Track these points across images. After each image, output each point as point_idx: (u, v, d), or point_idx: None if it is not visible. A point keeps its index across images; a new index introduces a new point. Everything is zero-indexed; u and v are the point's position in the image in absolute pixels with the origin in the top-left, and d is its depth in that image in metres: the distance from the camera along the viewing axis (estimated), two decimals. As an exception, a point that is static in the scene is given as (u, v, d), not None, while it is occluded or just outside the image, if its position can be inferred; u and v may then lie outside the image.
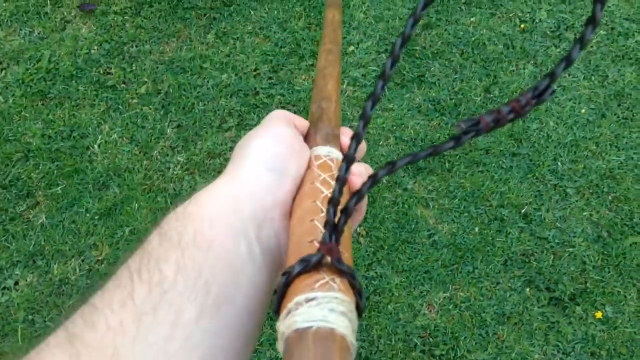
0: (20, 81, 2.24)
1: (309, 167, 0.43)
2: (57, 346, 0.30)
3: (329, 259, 0.31)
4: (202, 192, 0.38)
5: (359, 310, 0.31)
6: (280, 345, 0.27)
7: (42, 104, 2.21)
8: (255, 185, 0.38)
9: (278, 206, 0.39)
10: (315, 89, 0.51)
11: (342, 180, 0.31)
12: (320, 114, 0.48)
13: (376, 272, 1.90)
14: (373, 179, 0.31)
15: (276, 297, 0.31)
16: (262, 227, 0.37)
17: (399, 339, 1.81)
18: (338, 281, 0.30)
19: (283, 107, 2.21)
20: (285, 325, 0.28)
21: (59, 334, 0.31)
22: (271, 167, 0.39)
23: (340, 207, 0.32)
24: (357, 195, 0.31)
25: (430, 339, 1.81)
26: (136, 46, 2.36)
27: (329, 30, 0.54)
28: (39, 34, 2.37)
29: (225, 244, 0.35)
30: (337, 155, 0.45)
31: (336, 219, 0.31)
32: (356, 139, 0.32)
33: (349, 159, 0.32)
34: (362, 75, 2.28)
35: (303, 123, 0.47)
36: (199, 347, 0.31)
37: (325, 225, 0.31)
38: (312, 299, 0.28)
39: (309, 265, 0.31)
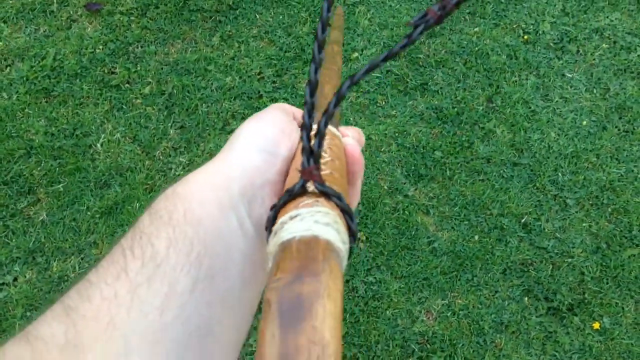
0: (25, 78, 2.24)
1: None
2: (53, 318, 0.31)
3: (312, 187, 0.31)
4: (193, 173, 0.39)
5: (351, 233, 0.30)
6: (268, 266, 0.28)
7: (46, 102, 2.22)
8: (245, 165, 0.39)
9: (268, 185, 0.39)
10: None
11: (309, 103, 0.31)
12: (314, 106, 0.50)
13: (375, 278, 1.90)
14: (352, 79, 0.30)
15: (267, 233, 0.31)
16: (252, 205, 0.38)
17: (396, 345, 1.81)
18: (322, 200, 0.30)
19: (286, 111, 2.22)
20: (272, 244, 0.28)
21: (55, 308, 0.31)
22: (262, 148, 0.40)
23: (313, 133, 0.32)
24: (337, 96, 0.30)
25: (428, 346, 1.81)
26: (141, 47, 2.37)
27: (329, 57, 0.56)
28: (44, 32, 2.37)
29: (216, 220, 0.35)
30: (329, 128, 0.46)
31: (312, 144, 0.31)
32: (310, 85, 0.32)
33: (311, 84, 0.31)
34: (366, 81, 2.29)
35: (301, 114, 0.49)
36: (193, 317, 0.32)
37: (303, 151, 0.31)
38: (295, 216, 0.28)
39: (293, 194, 0.31)
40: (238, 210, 0.37)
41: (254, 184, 0.38)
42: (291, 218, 0.28)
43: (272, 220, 0.31)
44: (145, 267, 0.32)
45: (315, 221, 0.27)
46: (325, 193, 0.31)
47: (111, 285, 0.31)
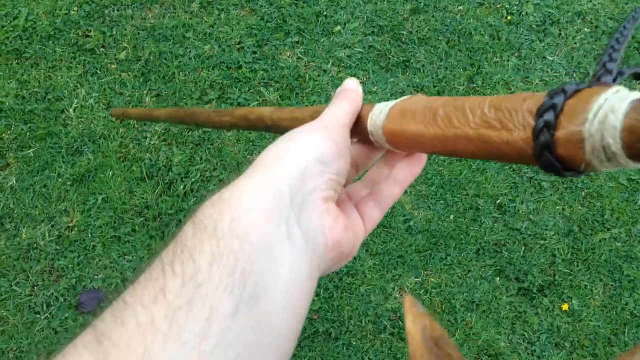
0: (-5, 38, 2.16)
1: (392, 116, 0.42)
2: (84, 347, 0.28)
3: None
4: (241, 177, 0.37)
5: None
6: (611, 138, 0.25)
7: (17, 64, 2.14)
8: (297, 168, 0.37)
9: (318, 192, 0.37)
10: None
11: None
12: None
13: (350, 254, 1.90)
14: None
15: (543, 138, 0.29)
16: (302, 211, 0.36)
17: (369, 321, 1.82)
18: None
19: (266, 84, 2.18)
20: (612, 103, 0.26)
21: (87, 334, 0.29)
22: (318, 158, 0.38)
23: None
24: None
25: (400, 322, 1.83)
26: (118, 10, 2.30)
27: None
28: (16, -10, 2.29)
29: (264, 229, 0.33)
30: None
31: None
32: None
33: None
34: (348, 56, 2.26)
35: (353, 116, 0.46)
36: (235, 344, 0.30)
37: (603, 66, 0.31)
38: (619, 90, 0.27)
39: (596, 84, 0.29)
40: (287, 217, 0.35)
41: (305, 189, 0.36)
42: (616, 92, 0.27)
43: (557, 110, 0.29)
44: (186, 287, 0.30)
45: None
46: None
47: (148, 309, 0.29)
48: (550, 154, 0.29)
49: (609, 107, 0.26)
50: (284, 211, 0.35)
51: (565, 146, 0.28)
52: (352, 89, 0.45)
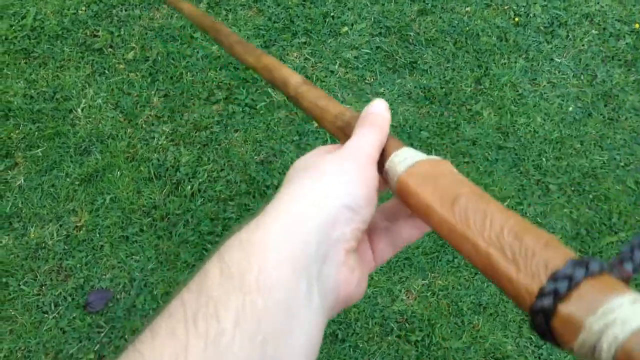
0: (4, 37, 2.16)
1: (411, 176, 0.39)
2: None
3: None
4: (268, 212, 0.36)
5: None
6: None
7: (25, 63, 2.14)
8: (327, 217, 0.36)
9: (343, 242, 0.37)
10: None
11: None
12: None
13: (357, 256, 1.91)
14: None
15: (542, 309, 0.28)
16: (324, 262, 0.35)
17: (375, 323, 1.82)
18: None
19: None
20: (625, 313, 0.25)
21: None
22: (346, 203, 0.37)
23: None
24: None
25: (407, 325, 1.83)
26: (125, 10, 2.30)
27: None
28: (24, -11, 2.29)
29: (288, 285, 0.33)
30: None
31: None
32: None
33: None
34: (355, 57, 2.26)
35: (380, 145, 0.43)
36: None
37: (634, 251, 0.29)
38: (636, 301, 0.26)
39: (592, 273, 0.28)
40: (309, 270, 0.34)
41: (330, 239, 0.36)
42: (633, 302, 0.26)
43: (561, 296, 0.28)
44: (207, 352, 0.29)
45: None
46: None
47: None
48: (544, 320, 0.28)
49: (621, 316, 0.25)
50: (308, 263, 0.34)
51: (562, 323, 0.27)
52: (379, 112, 0.43)
